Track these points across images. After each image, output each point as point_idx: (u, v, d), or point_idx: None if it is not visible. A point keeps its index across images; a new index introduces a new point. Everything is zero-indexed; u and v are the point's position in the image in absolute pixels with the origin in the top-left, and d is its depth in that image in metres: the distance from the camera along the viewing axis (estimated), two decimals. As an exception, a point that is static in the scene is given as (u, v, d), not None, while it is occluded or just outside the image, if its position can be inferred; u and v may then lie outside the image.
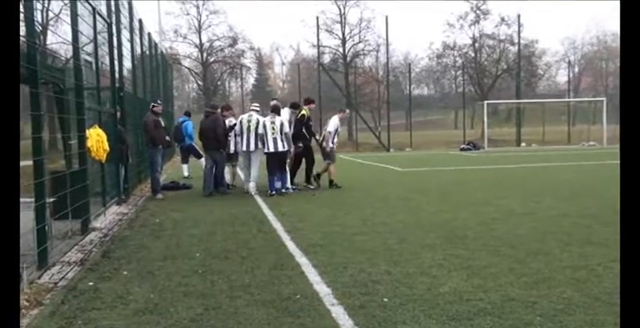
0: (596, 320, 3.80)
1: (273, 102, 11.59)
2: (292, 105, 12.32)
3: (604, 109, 31.49)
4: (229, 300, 4.40)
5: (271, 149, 10.96)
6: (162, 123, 11.26)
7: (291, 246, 6.39)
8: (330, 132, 12.11)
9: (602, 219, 7.60)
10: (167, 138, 11.50)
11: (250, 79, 65.31)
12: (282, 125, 11.00)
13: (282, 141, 10.96)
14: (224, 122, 11.53)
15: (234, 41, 42.98)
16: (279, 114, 11.24)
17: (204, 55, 42.20)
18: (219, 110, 11.90)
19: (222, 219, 8.38)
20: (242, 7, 68.15)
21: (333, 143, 12.15)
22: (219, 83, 46.75)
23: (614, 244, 6.01)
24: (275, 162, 11.01)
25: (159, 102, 11.77)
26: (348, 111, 12.92)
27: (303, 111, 11.83)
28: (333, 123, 12.32)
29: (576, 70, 64.77)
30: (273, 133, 10.96)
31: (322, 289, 4.64)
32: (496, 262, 5.39)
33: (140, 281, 5.04)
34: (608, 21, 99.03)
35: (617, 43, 65.33)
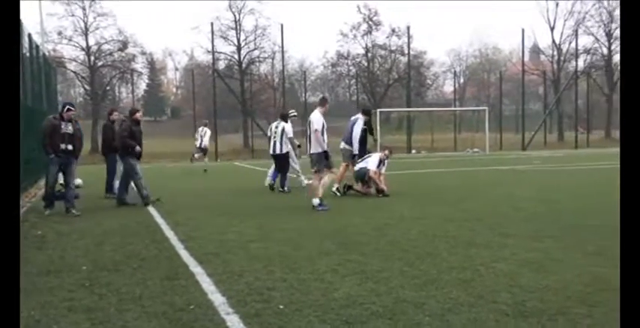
0: (479, 317, 4.00)
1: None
2: (365, 111, 12.10)
3: (486, 118, 33.39)
4: (118, 314, 4.22)
5: (276, 151, 12.60)
6: (69, 129, 9.75)
7: (185, 255, 6.25)
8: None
9: (485, 222, 8.03)
10: (68, 146, 9.74)
11: (142, 85, 63.46)
12: (283, 130, 12.51)
13: (280, 144, 12.51)
14: (114, 127, 11.05)
15: (124, 45, 41.47)
16: (285, 121, 12.71)
17: (92, 58, 40.40)
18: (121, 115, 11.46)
19: (112, 230, 8.04)
20: (133, 11, 66.15)
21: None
22: (108, 88, 44.92)
23: (495, 245, 6.39)
24: (277, 163, 12.68)
25: (73, 106, 10.29)
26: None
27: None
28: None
29: (461, 80, 68.36)
30: (274, 137, 12.61)
31: (217, 298, 4.56)
32: (388, 266, 5.54)
33: (21, 297, 4.72)
34: (489, 34, 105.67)
35: (497, 56, 69.78)
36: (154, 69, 75.78)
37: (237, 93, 35.90)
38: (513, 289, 4.66)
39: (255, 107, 39.01)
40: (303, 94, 43.49)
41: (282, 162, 12.59)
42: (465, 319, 3.98)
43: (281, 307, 4.30)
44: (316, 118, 10.05)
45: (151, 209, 10.13)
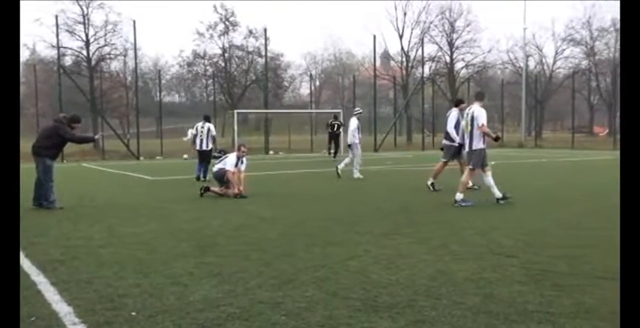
0: (334, 314, 4.11)
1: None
2: (456, 103, 12.69)
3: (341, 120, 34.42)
4: (-54, 331, 3.81)
5: (203, 147, 15.29)
6: None
7: (26, 263, 5.78)
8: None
9: (341, 221, 8.28)
10: None
11: (-25, 79, 57.84)
12: (208, 130, 15.42)
13: (206, 142, 15.31)
14: None
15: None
16: (209, 121, 15.68)
17: None
18: None
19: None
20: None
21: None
22: None
23: (350, 243, 6.61)
24: (203, 157, 15.21)
25: None
26: None
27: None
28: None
29: (317, 83, 70.10)
30: (201, 135, 15.32)
31: (62, 308, 4.28)
32: (246, 267, 5.52)
33: None
34: (342, 40, 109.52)
35: (350, 61, 72.47)
36: (-10, 62, 69.35)
37: (86, 91, 33.92)
38: (366, 285, 4.84)
39: (106, 106, 37.11)
40: (158, 94, 42.19)
41: (206, 156, 15.27)
42: (321, 316, 4.06)
43: (133, 314, 4.13)
44: (481, 112, 9.80)
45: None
